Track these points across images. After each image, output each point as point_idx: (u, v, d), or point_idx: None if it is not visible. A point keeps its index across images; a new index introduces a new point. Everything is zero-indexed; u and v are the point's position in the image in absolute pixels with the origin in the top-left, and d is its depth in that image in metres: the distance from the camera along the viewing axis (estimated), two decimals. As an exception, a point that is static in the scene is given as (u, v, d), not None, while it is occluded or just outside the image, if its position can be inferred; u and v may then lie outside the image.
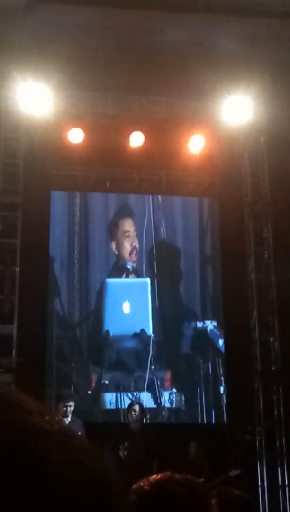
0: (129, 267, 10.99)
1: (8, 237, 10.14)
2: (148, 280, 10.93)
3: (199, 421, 10.51)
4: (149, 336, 10.63)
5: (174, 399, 10.49)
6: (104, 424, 10.04)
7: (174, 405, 10.48)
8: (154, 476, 1.67)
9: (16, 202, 10.25)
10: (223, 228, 11.18)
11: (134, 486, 1.67)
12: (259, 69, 9.45)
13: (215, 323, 10.88)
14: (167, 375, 10.60)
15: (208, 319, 10.94)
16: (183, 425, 10.38)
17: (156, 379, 10.45)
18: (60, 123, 10.28)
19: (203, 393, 10.58)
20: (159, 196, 11.32)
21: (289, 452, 9.89)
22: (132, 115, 10.41)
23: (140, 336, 10.64)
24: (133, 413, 9.10)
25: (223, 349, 10.76)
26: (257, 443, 10.05)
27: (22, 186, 10.31)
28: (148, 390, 10.34)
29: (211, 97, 10.16)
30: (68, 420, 8.87)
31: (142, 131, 10.70)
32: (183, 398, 10.55)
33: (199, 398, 10.56)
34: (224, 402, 10.55)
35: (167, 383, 10.56)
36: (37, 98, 9.75)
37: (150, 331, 10.65)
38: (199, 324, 10.89)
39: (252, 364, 10.39)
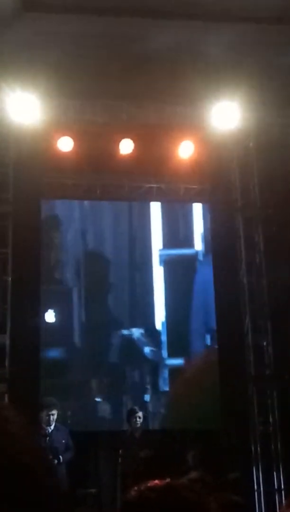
0: (57, 276, 10.90)
1: (-1, 247, 10.13)
2: (73, 288, 10.79)
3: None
4: (75, 345, 10.54)
5: (100, 408, 10.39)
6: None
7: (99, 414, 10.36)
8: (154, 483, 1.65)
9: (6, 211, 10.24)
10: (214, 233, 11.20)
11: (133, 493, 1.66)
12: (247, 74, 9.48)
13: (142, 331, 10.76)
14: (94, 384, 10.50)
15: (136, 327, 10.81)
16: (177, 430, 10.35)
17: (83, 388, 10.35)
18: (49, 131, 10.28)
19: (129, 402, 10.45)
20: (86, 202, 11.21)
21: (285, 456, 9.90)
22: (121, 122, 10.42)
23: (66, 345, 10.54)
24: (136, 420, 9.06)
25: (150, 357, 10.70)
26: (253, 448, 10.05)
27: (12, 195, 10.30)
28: (76, 399, 10.26)
29: (200, 103, 10.19)
30: (51, 428, 8.84)
31: (132, 138, 10.71)
32: (108, 407, 10.47)
33: (124, 407, 10.40)
34: (150, 410, 10.42)
35: (94, 392, 10.45)
36: (26, 107, 9.76)
37: (76, 339, 10.56)
38: (126, 332, 10.75)
39: (246, 369, 10.39)
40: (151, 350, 10.74)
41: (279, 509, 9.49)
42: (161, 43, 9.21)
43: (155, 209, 11.43)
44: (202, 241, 11.44)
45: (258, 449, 10.02)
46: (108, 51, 9.28)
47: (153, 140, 10.60)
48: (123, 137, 10.70)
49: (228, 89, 9.85)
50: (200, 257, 11.39)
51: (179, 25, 9.07)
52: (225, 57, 9.37)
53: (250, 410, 10.21)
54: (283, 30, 9.21)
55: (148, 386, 10.62)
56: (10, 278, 10.00)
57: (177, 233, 11.61)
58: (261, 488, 9.83)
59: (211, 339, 10.93)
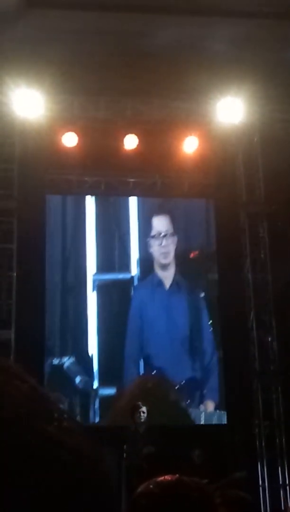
0: None
1: (4, 242, 10.15)
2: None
3: None
4: None
5: None
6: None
7: None
8: (162, 479, 1.66)
9: (11, 207, 10.26)
10: (219, 229, 11.19)
11: (141, 489, 1.66)
12: (251, 70, 9.47)
13: (72, 359, 10.34)
14: None
15: (67, 355, 10.41)
16: (183, 427, 10.36)
17: None
18: (53, 127, 10.29)
19: None
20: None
21: (289, 451, 9.90)
22: (126, 118, 10.42)
23: None
24: (141, 415, 9.02)
25: (80, 386, 10.30)
26: (257, 443, 10.06)
27: (16, 191, 10.32)
28: None
29: (204, 99, 10.18)
30: None
31: (136, 134, 10.71)
32: None
33: None
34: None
35: None
36: (31, 103, 9.77)
37: None
38: (56, 361, 10.34)
39: (250, 364, 10.40)
40: (82, 380, 10.33)
41: (284, 504, 9.51)
42: (165, 39, 9.20)
43: (90, 232, 10.94)
44: (138, 266, 10.91)
45: (263, 444, 10.03)
46: (112, 47, 9.28)
47: (157, 135, 10.60)
48: (128, 133, 10.70)
49: (232, 84, 9.84)
50: (136, 282, 10.87)
51: (183, 21, 9.06)
52: (229, 53, 9.37)
53: (254, 406, 10.21)
54: (287, 25, 9.19)
55: (78, 417, 10.13)
56: (15, 274, 10.03)
57: (112, 256, 11.07)
58: (266, 484, 9.84)
59: (145, 365, 10.46)
